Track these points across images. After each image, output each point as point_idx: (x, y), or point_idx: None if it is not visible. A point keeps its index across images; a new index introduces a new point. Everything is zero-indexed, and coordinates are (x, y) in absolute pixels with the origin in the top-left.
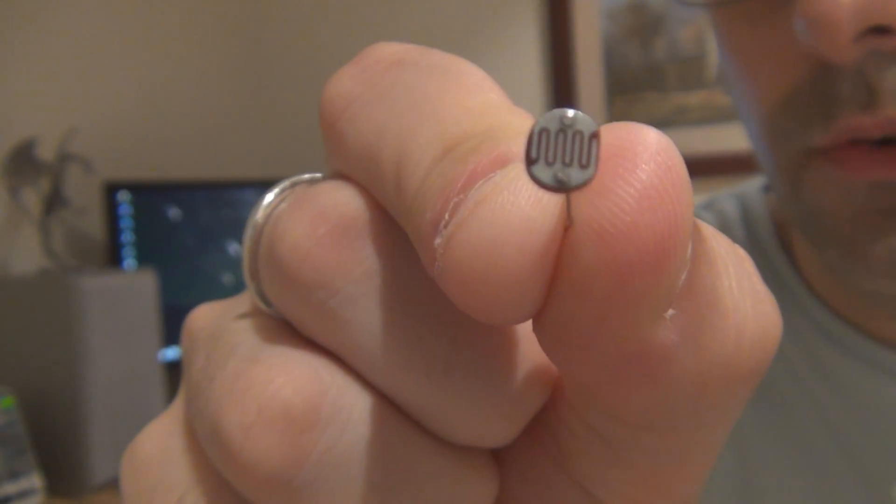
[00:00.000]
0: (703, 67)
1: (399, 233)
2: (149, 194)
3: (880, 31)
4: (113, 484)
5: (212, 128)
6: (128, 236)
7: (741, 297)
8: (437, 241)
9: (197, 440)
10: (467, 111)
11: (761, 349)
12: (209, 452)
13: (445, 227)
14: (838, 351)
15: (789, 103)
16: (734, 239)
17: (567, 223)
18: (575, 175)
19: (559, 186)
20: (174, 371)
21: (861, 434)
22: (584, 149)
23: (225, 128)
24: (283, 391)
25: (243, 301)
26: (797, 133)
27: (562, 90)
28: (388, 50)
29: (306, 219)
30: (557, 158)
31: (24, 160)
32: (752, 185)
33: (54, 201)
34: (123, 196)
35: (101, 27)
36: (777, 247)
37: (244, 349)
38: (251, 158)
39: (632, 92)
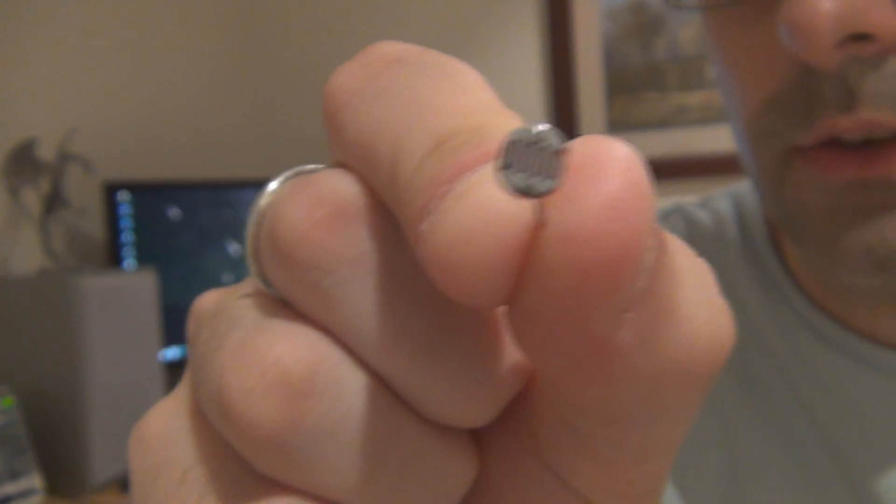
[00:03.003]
0: (703, 67)
1: (392, 221)
2: (149, 194)
3: (860, 38)
4: (113, 484)
5: (212, 128)
6: (128, 236)
7: (697, 306)
8: (423, 226)
9: (201, 417)
10: (459, 108)
11: (712, 356)
12: (212, 416)
13: (431, 213)
14: (824, 346)
15: (774, 104)
16: (727, 237)
17: (540, 222)
18: (540, 184)
19: (525, 192)
20: (174, 371)
21: (846, 429)
22: (551, 162)
23: (225, 128)
24: (283, 359)
25: (246, 285)
26: (781, 133)
27: (562, 90)
28: (389, 48)
29: (305, 202)
30: (528, 167)
31: (24, 160)
32: (746, 185)
33: (54, 201)
34: (123, 196)
35: (101, 27)
36: (768, 245)
37: (247, 321)
38: (251, 158)
39: (632, 92)
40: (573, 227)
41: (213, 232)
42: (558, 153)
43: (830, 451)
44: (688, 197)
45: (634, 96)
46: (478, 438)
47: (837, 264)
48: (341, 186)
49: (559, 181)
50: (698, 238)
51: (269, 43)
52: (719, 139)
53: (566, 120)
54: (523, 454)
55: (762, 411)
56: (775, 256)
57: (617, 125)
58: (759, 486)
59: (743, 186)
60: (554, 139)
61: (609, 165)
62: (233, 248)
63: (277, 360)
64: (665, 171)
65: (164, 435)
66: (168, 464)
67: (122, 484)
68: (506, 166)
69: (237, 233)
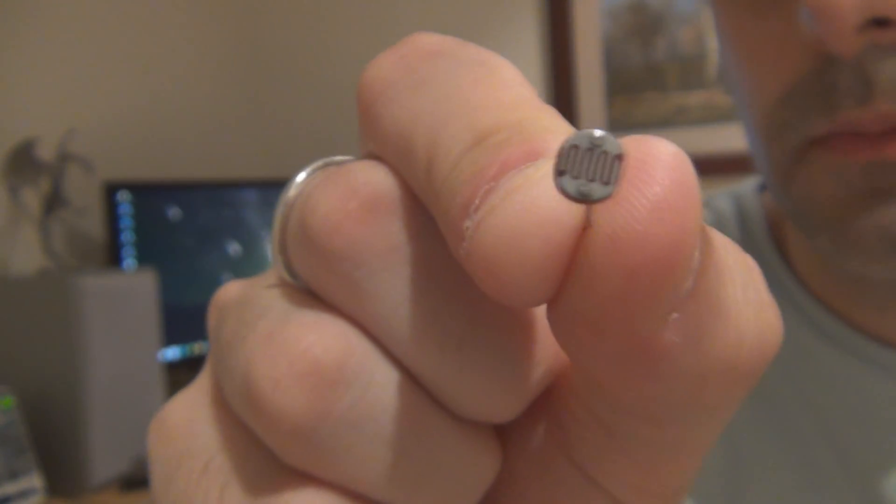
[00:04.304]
0: (703, 67)
1: (425, 214)
2: (149, 194)
3: (881, 23)
4: (113, 484)
5: (212, 128)
6: (128, 236)
7: (745, 305)
8: (467, 223)
9: (224, 407)
10: (499, 104)
11: (760, 355)
12: (238, 406)
13: (476, 210)
14: (829, 346)
15: (790, 96)
16: (728, 236)
17: (587, 224)
18: (597, 190)
19: (581, 199)
20: (174, 371)
21: (851, 429)
22: (607, 167)
23: (225, 128)
24: (313, 348)
25: (270, 276)
26: (796, 126)
27: (562, 90)
28: (428, 40)
29: (339, 193)
30: (583, 173)
31: (24, 160)
32: (747, 185)
33: (54, 201)
34: (123, 196)
35: (102, 28)
36: (770, 244)
37: (275, 311)
38: (251, 158)
39: (632, 92)
40: (620, 230)
41: (213, 232)
42: (617, 159)
43: (835, 450)
44: None
45: (634, 96)
46: (502, 433)
47: (851, 251)
48: (375, 178)
49: (616, 187)
50: None
51: (270, 43)
52: (719, 139)
53: (566, 120)
54: (549, 449)
55: (765, 409)
56: (778, 255)
57: (617, 125)
58: (762, 486)
59: (744, 186)
60: (612, 144)
61: (656, 167)
62: (233, 248)
63: (307, 350)
64: None
65: (186, 424)
66: (190, 453)
67: (122, 484)
68: (562, 171)
69: (237, 233)
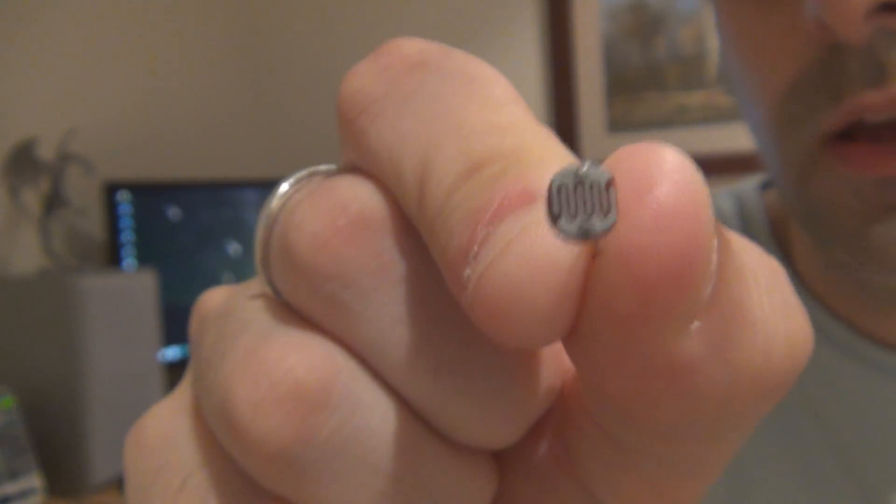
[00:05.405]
0: (703, 67)
1: (414, 232)
2: (149, 194)
3: (890, 8)
4: (113, 484)
5: (212, 128)
6: (128, 236)
7: (771, 310)
8: (467, 272)
9: (203, 420)
10: (492, 127)
11: (790, 363)
12: (216, 428)
13: (475, 259)
14: (831, 348)
15: (797, 88)
16: None
17: (594, 252)
18: (598, 224)
19: (584, 236)
20: (174, 371)
21: (854, 432)
22: (602, 197)
23: (225, 128)
24: (295, 369)
25: (255, 285)
26: (806, 119)
27: (562, 90)
28: (410, 49)
29: (326, 209)
30: (579, 210)
31: (24, 160)
32: (748, 183)
33: (54, 201)
34: (123, 196)
35: (101, 27)
36: (773, 244)
37: (257, 326)
38: (251, 158)
39: (632, 92)
40: (627, 247)
41: (213, 232)
42: (608, 186)
43: (836, 452)
44: None
45: (634, 96)
46: (500, 451)
47: (866, 263)
48: (364, 194)
49: (615, 215)
50: None
51: (269, 43)
52: (719, 139)
53: (566, 120)
54: (551, 468)
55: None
56: (780, 256)
57: (617, 125)
58: (764, 487)
59: (745, 185)
60: (598, 175)
61: (654, 174)
62: (233, 248)
63: (289, 371)
64: None
65: (163, 437)
66: (168, 468)
67: (122, 484)
68: (557, 214)
69: (237, 233)
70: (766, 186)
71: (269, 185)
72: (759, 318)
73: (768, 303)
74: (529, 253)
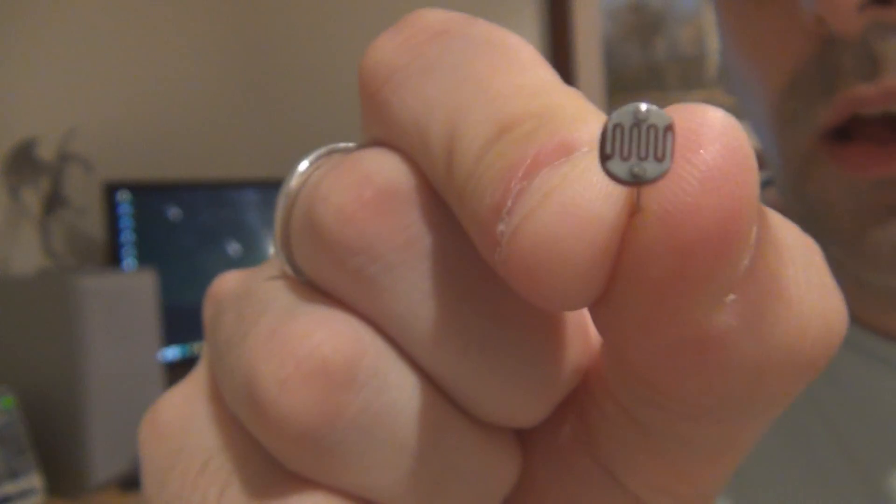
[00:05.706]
0: (703, 67)
1: (442, 204)
2: (149, 194)
3: (882, 1)
4: (113, 484)
5: (212, 128)
6: (128, 236)
7: (807, 287)
8: (500, 228)
9: (222, 403)
10: (520, 89)
11: (825, 343)
12: (238, 409)
13: (509, 214)
14: None
15: (796, 83)
16: None
17: (634, 210)
18: (651, 168)
19: (635, 181)
20: (174, 371)
21: (856, 425)
22: (658, 142)
23: (225, 128)
24: (322, 347)
25: (271, 267)
26: (803, 116)
27: None
28: (433, 17)
29: (351, 182)
30: (633, 153)
31: (24, 160)
32: None
33: (54, 201)
34: (123, 196)
35: (101, 27)
36: None
37: (279, 305)
38: (251, 158)
39: (632, 91)
40: (670, 206)
41: (213, 232)
42: (667, 130)
43: (840, 446)
44: None
45: (634, 96)
46: (523, 433)
47: (864, 264)
48: (389, 166)
49: (670, 162)
50: None
51: (269, 43)
52: None
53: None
54: (573, 449)
55: None
56: None
57: None
58: (767, 483)
59: None
60: (660, 117)
61: (704, 134)
62: (233, 248)
63: (316, 349)
64: None
65: (181, 421)
66: (187, 452)
67: (122, 484)
68: (608, 155)
69: (237, 233)
70: (766, 183)
71: (269, 185)
72: (795, 295)
73: (805, 281)
74: (571, 204)
